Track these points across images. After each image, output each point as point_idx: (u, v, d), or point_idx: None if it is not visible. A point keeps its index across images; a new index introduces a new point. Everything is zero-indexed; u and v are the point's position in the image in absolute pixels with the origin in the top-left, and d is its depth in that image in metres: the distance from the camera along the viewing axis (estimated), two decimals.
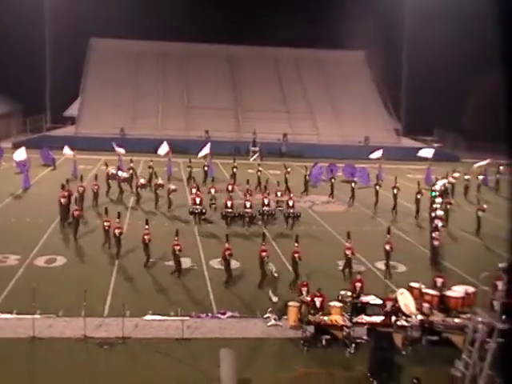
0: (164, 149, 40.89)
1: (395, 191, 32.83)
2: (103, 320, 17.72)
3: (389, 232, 23.19)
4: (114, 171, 35.40)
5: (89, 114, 57.75)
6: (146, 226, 22.74)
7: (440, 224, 26.40)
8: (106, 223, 24.01)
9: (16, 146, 44.50)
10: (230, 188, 32.30)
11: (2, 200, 32.48)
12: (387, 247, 22.59)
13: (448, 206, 30.73)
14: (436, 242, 24.35)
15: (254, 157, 49.87)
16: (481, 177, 40.26)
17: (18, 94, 57.62)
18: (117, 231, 23.02)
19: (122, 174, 35.43)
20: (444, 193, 33.88)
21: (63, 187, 28.52)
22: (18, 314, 17.70)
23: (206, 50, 65.84)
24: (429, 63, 56.98)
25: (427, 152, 43.88)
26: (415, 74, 60.69)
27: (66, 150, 40.91)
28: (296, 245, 21.29)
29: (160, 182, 32.68)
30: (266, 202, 29.60)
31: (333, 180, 36.88)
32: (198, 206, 29.13)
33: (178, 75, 63.58)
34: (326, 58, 67.51)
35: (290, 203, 29.66)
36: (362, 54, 68.52)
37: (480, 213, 29.57)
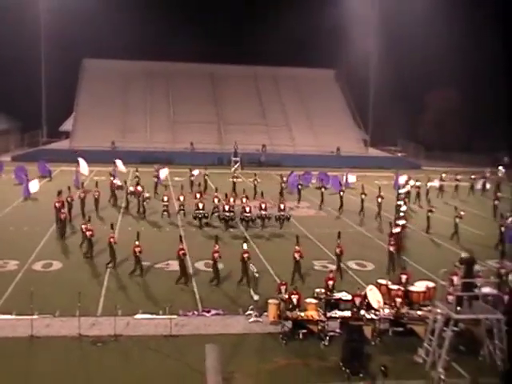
0: (164, 173, 40.44)
1: (363, 197, 33.21)
2: (96, 319, 17.61)
3: (339, 236, 22.73)
4: (119, 182, 35.51)
5: (82, 128, 57.42)
6: (112, 230, 22.58)
7: (397, 230, 26.24)
8: (88, 232, 23.32)
9: (15, 160, 44.23)
10: (232, 194, 32.41)
11: (2, 210, 32.13)
12: (337, 250, 22.26)
13: (429, 214, 30.69)
14: (391, 248, 23.56)
15: (236, 166, 49.91)
16: (435, 183, 40.54)
17: (17, 111, 57.59)
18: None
19: (117, 182, 35.32)
20: (408, 197, 34.21)
21: (59, 194, 28.50)
22: (17, 314, 17.56)
23: (189, 69, 65.75)
24: (393, 81, 57.73)
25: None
26: (381, 90, 61.45)
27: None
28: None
29: (146, 195, 32.43)
30: (247, 208, 29.60)
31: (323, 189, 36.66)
32: (201, 211, 29.50)
33: (164, 92, 63.47)
34: (300, 76, 67.67)
35: (282, 206, 30.16)
36: (332, 73, 68.86)
37: (457, 219, 29.09)
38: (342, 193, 34.78)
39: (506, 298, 18.13)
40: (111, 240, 22.20)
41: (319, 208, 35.24)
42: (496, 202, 33.80)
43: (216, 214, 30.43)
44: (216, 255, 20.90)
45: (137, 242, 21.59)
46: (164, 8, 63.13)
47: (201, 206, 29.84)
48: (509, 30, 55.07)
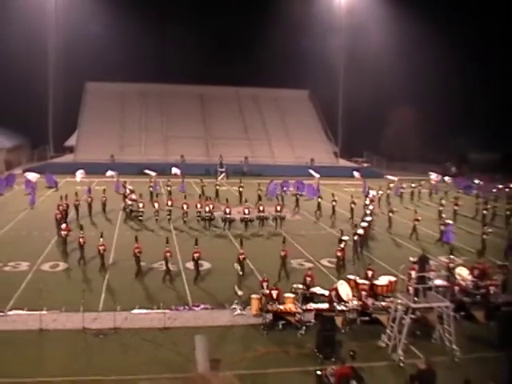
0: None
1: (334, 203, 33.33)
2: (98, 314, 17.53)
3: (284, 241, 22.57)
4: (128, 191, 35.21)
5: (84, 143, 56.95)
6: (101, 239, 22.08)
7: (364, 225, 26.57)
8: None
9: (25, 172, 43.86)
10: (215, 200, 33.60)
11: (15, 217, 31.84)
12: (282, 253, 21.71)
13: (391, 214, 31.04)
14: (355, 237, 24.58)
15: (221, 176, 49.91)
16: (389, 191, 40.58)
17: (27, 129, 57.39)
18: (100, 248, 21.82)
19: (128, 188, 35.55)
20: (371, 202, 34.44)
21: (61, 198, 29.75)
22: (28, 310, 17.44)
23: (180, 90, 65.57)
24: (359, 100, 58.34)
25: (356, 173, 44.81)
26: (349, 108, 62.06)
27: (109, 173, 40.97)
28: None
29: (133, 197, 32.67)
30: (246, 211, 29.79)
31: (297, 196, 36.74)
32: (207, 214, 29.50)
33: (157, 110, 63.18)
34: (279, 96, 67.81)
35: (278, 208, 30.61)
36: (306, 93, 69.12)
37: (416, 222, 29.27)
38: (319, 199, 34.67)
39: (454, 288, 18.51)
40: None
41: (295, 213, 35.12)
42: (441, 208, 33.18)
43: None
44: (196, 255, 20.84)
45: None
46: (157, 36, 63.17)
47: (207, 209, 29.86)
48: (459, 57, 56.25)
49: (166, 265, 20.99)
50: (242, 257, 20.88)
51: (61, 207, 29.29)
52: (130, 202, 32.13)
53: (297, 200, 35.90)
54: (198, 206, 30.48)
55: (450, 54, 56.73)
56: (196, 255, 20.98)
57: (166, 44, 63.30)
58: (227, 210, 29.52)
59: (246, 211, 29.65)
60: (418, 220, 29.28)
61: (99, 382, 13.60)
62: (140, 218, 30.96)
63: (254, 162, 56.11)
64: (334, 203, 33.34)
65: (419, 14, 53.00)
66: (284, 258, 21.64)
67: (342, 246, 22.81)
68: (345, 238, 23.26)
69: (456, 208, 33.41)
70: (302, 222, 33.19)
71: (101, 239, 21.96)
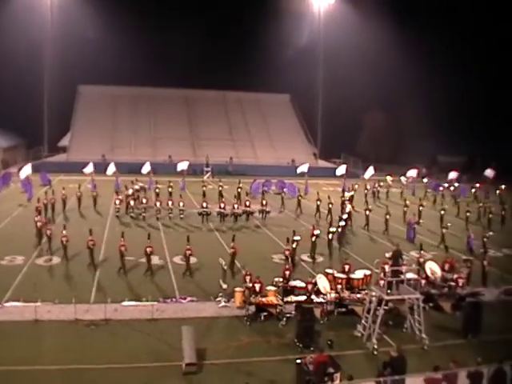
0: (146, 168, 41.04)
1: (318, 202, 33.12)
2: (90, 306, 17.41)
3: (233, 240, 21.98)
4: (137, 187, 35.59)
5: (77, 144, 56.31)
6: (90, 237, 21.84)
7: (343, 223, 26.94)
8: (63, 238, 22.38)
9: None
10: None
11: (11, 213, 31.41)
12: (230, 251, 21.46)
13: (367, 212, 31.08)
14: (330, 235, 24.97)
15: (207, 175, 49.78)
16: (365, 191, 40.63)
17: (23, 130, 56.86)
18: (90, 243, 21.47)
19: (136, 187, 35.84)
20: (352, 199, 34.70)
21: (46, 193, 30.86)
22: (24, 301, 17.28)
23: (168, 93, 65.23)
24: (336, 104, 58.61)
25: (340, 170, 44.78)
26: (327, 111, 62.30)
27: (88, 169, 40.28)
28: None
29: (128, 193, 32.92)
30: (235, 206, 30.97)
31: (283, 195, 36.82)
32: (205, 209, 30.09)
33: (146, 113, 62.62)
34: (262, 99, 67.81)
35: (264, 202, 31.92)
36: (288, 97, 69.25)
37: (387, 216, 29.68)
38: (300, 197, 34.77)
39: (423, 281, 18.76)
40: (89, 243, 21.51)
41: (282, 210, 35.12)
42: (405, 209, 32.62)
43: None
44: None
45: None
46: (147, 42, 62.67)
47: (205, 205, 30.53)
48: (430, 66, 57.03)
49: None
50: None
51: (45, 200, 30.23)
52: (117, 202, 31.86)
53: (282, 198, 35.96)
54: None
55: (426, 64, 57.50)
56: (149, 249, 20.73)
57: (156, 49, 62.91)
58: (221, 205, 30.53)
59: (222, 205, 30.71)
60: (389, 214, 29.75)
61: (91, 370, 13.54)
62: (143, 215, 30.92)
63: (238, 162, 55.99)
64: (318, 202, 33.09)
65: (395, 22, 53.47)
66: (233, 255, 21.30)
67: (293, 245, 22.44)
68: (296, 238, 22.85)
69: (421, 208, 32.88)
70: (283, 219, 33.11)
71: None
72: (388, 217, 29.78)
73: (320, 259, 24.14)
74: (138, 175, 40.68)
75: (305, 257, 24.06)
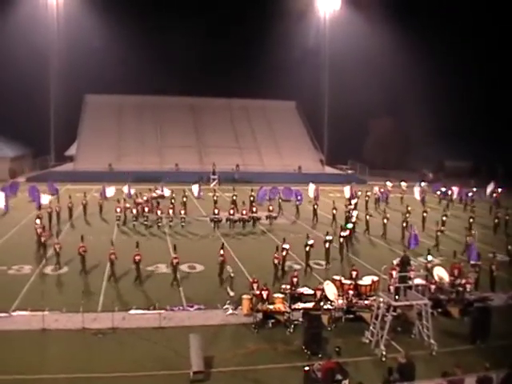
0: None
1: (334, 211, 32.80)
2: (97, 314, 17.48)
3: (222, 247, 21.85)
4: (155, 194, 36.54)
5: (84, 153, 56.76)
6: (82, 243, 22.09)
7: (346, 233, 26.63)
8: (56, 246, 22.75)
9: (28, 181, 43.72)
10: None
11: (19, 222, 31.64)
12: (219, 259, 21.34)
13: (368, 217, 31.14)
14: (341, 239, 25.22)
15: (214, 183, 49.91)
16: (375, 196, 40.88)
17: (30, 140, 57.38)
18: (81, 250, 21.65)
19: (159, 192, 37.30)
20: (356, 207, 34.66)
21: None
22: (31, 310, 17.36)
23: (174, 101, 65.65)
24: (343, 110, 58.65)
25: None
26: (333, 118, 62.37)
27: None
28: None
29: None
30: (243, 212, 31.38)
31: (280, 200, 36.99)
32: (217, 216, 30.44)
33: (152, 121, 63.06)
34: (267, 107, 68.04)
35: (271, 208, 32.66)
36: (294, 104, 69.42)
37: (385, 221, 30.00)
38: (315, 206, 34.48)
39: (432, 286, 18.70)
40: (80, 250, 21.74)
41: (280, 216, 34.98)
42: (407, 215, 31.60)
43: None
44: (175, 261, 20.62)
45: (112, 250, 21.15)
46: (153, 51, 63.30)
47: (216, 211, 30.96)
48: (438, 72, 57.06)
49: (137, 268, 20.75)
50: (221, 259, 21.00)
51: (49, 209, 31.02)
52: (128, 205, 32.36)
53: (279, 204, 36.13)
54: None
55: (430, 68, 57.49)
56: (137, 258, 20.68)
57: (162, 58, 63.41)
58: (231, 212, 31.05)
59: (232, 212, 31.06)
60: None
61: (98, 379, 13.57)
62: (146, 223, 31.05)
63: (245, 169, 56.15)
64: (334, 211, 32.70)
65: (399, 26, 53.60)
66: (222, 263, 21.23)
67: (283, 253, 22.23)
68: (285, 246, 22.69)
69: (424, 215, 32.34)
70: (289, 226, 32.99)
71: (81, 242, 21.86)
72: (386, 221, 29.97)
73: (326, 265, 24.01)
74: (148, 184, 40.84)
75: (312, 263, 23.94)
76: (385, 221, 30.04)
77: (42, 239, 24.23)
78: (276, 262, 21.60)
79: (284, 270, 22.29)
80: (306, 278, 21.24)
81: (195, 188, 40.82)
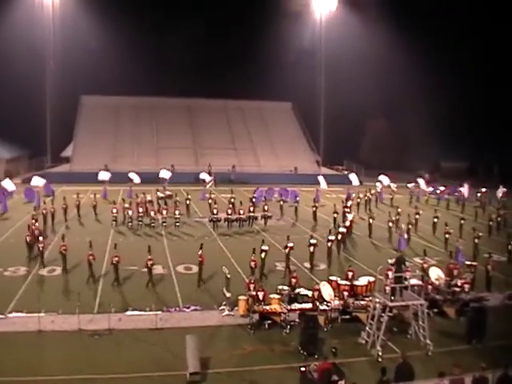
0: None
1: (335, 215, 32.79)
2: (94, 316, 17.44)
3: (201, 248, 21.38)
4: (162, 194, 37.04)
5: (80, 154, 56.56)
6: (63, 242, 22.40)
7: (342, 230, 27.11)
8: (40, 245, 23.18)
9: (24, 182, 43.56)
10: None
11: (14, 224, 31.53)
12: (198, 260, 21.04)
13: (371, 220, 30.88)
14: (329, 243, 24.59)
15: (210, 184, 49.77)
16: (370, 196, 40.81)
17: (25, 141, 57.02)
18: (90, 258, 21.11)
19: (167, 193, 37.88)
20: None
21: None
22: (27, 312, 17.32)
23: (170, 102, 65.50)
24: (338, 111, 58.69)
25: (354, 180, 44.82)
26: (329, 119, 62.35)
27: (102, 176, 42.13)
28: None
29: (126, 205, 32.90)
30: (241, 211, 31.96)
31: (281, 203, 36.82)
32: (216, 216, 30.94)
33: (148, 122, 63.00)
34: (263, 108, 67.96)
35: (266, 207, 32.96)
36: (290, 105, 69.49)
37: (371, 220, 30.35)
38: (314, 208, 34.59)
39: (428, 287, 18.75)
40: (62, 249, 21.88)
41: (279, 219, 35.09)
42: (397, 217, 31.78)
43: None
44: (149, 262, 20.49)
45: (90, 251, 21.12)
46: (149, 52, 63.31)
47: (215, 212, 31.49)
48: (434, 73, 57.25)
49: (116, 269, 20.68)
50: (199, 260, 20.84)
51: (44, 210, 31.00)
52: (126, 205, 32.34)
53: (281, 206, 36.01)
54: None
55: (426, 68, 57.67)
56: (115, 259, 20.57)
57: (158, 59, 63.43)
58: (229, 212, 31.59)
59: (229, 212, 31.58)
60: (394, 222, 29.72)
61: (95, 380, 13.54)
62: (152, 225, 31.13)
63: (241, 170, 56.11)
64: (335, 215, 32.68)
65: (396, 28, 53.73)
66: (200, 263, 21.03)
67: (262, 255, 21.92)
68: (264, 247, 22.54)
69: (417, 217, 32.09)
70: (285, 226, 32.97)
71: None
72: (372, 221, 30.30)
73: (322, 266, 24.13)
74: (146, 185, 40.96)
75: (308, 264, 23.99)
76: (370, 221, 30.34)
77: (28, 239, 24.19)
78: (252, 265, 21.06)
79: (263, 272, 21.82)
80: (302, 279, 21.20)
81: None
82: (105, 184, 42.12)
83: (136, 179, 43.73)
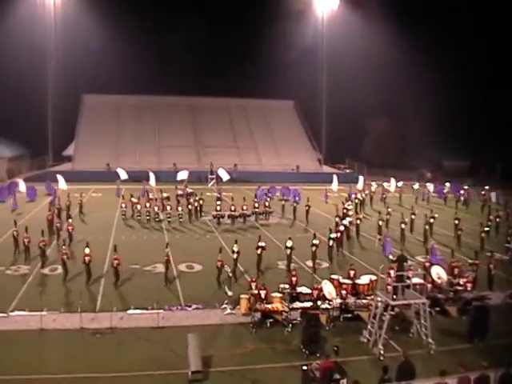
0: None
1: (306, 208, 33.01)
2: (96, 314, 17.45)
3: (167, 246, 21.73)
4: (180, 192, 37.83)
5: (82, 153, 56.67)
6: (42, 237, 22.62)
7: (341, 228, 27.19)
8: (25, 239, 23.46)
9: (26, 181, 43.62)
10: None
11: (17, 222, 31.54)
12: (164, 259, 21.04)
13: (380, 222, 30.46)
14: (331, 242, 24.85)
15: (212, 182, 49.86)
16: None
17: (27, 140, 56.85)
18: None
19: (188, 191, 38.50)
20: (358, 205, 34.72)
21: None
22: (29, 310, 17.34)
23: (172, 101, 65.51)
24: (340, 110, 58.55)
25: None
26: (331, 117, 62.29)
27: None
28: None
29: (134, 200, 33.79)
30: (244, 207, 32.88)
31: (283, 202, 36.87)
32: (219, 213, 31.77)
33: (150, 121, 62.98)
34: (265, 106, 67.92)
35: (267, 203, 33.86)
36: (292, 103, 69.44)
37: (380, 222, 29.74)
38: (296, 204, 34.96)
39: (429, 285, 18.71)
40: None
41: (281, 217, 35.09)
42: (387, 217, 31.36)
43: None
44: (115, 262, 20.36)
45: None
46: (151, 51, 63.27)
47: (219, 208, 32.36)
48: (436, 71, 57.10)
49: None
50: (166, 258, 20.92)
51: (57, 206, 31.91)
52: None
53: (283, 206, 35.99)
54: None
55: (428, 67, 57.52)
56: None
57: (159, 59, 63.39)
58: (232, 208, 32.36)
59: (232, 208, 32.39)
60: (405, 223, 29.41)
61: (96, 379, 13.55)
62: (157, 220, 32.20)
63: (243, 168, 56.08)
64: (306, 208, 32.84)
65: (398, 27, 53.60)
66: (167, 262, 21.04)
67: (234, 256, 21.75)
68: (261, 244, 22.49)
69: (413, 217, 31.58)
70: (287, 226, 32.98)
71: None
72: (358, 222, 30.24)
73: (325, 264, 24.08)
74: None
75: (309, 263, 23.95)
76: (358, 221, 30.10)
77: (16, 236, 24.43)
78: (219, 264, 20.47)
79: (234, 273, 21.16)
80: (304, 278, 21.20)
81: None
82: (117, 182, 42.31)
83: (123, 175, 43.80)
